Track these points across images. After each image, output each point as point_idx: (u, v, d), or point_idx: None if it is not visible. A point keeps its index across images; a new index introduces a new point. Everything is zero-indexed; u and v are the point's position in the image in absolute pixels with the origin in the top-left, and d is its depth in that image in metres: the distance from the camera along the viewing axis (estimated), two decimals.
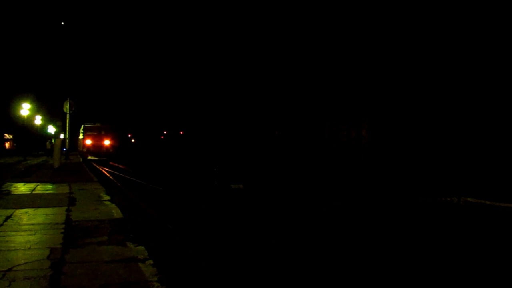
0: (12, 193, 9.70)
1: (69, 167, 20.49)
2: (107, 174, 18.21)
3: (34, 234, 5.35)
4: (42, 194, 9.63)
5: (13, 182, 12.18)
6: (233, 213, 9.62)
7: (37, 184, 11.77)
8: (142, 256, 4.41)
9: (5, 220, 6.26)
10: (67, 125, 27.16)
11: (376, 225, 8.55)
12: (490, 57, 17.27)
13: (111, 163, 28.51)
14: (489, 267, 5.66)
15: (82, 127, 39.26)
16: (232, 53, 42.82)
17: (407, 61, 20.80)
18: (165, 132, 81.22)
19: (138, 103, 75.02)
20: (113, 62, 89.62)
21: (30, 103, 32.36)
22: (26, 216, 6.61)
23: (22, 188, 10.79)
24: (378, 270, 5.42)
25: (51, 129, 47.99)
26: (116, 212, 7.09)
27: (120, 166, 25.16)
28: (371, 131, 22.17)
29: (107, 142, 37.74)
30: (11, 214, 6.74)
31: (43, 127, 51.65)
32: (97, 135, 37.35)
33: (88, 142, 37.09)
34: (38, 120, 42.86)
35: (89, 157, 33.98)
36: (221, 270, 5.01)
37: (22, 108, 30.14)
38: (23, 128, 38.22)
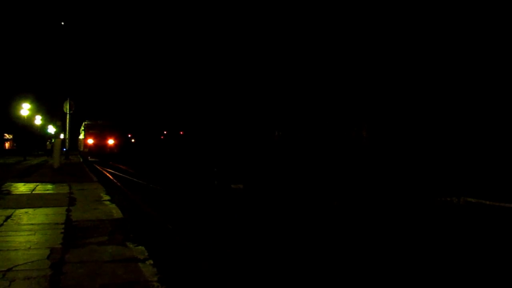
0: (12, 193, 9.70)
1: (69, 167, 20.48)
2: (107, 174, 18.21)
3: (34, 234, 5.35)
4: (42, 194, 9.64)
5: (13, 182, 12.18)
6: (233, 213, 9.62)
7: (37, 184, 11.77)
8: (142, 256, 4.41)
9: (5, 220, 6.26)
10: (67, 125, 27.17)
11: (375, 224, 8.55)
12: (490, 58, 17.27)
13: (111, 163, 28.48)
14: (489, 267, 5.66)
15: (82, 126, 35.95)
16: (232, 53, 42.83)
17: (407, 62, 20.81)
18: (165, 132, 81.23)
19: (138, 103, 74.98)
20: (113, 62, 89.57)
21: (30, 103, 32.17)
22: (26, 216, 6.61)
23: (22, 188, 10.79)
24: (377, 270, 5.42)
25: (51, 129, 48.02)
26: (116, 212, 7.09)
27: (120, 166, 25.15)
28: (371, 131, 22.18)
29: (111, 142, 34.30)
30: (11, 214, 6.74)
31: (43, 127, 51.70)
32: (100, 133, 33.86)
33: (90, 141, 33.62)
34: (38, 120, 42.88)
35: (91, 159, 31.57)
36: (221, 270, 5.01)
37: (22, 108, 30.12)
38: (23, 128, 38.19)
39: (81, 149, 37.26)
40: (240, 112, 41.82)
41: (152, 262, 4.20)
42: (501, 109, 16.52)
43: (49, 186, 11.29)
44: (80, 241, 5.02)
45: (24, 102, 30.25)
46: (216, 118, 49.22)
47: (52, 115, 37.81)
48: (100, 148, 33.50)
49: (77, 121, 35.54)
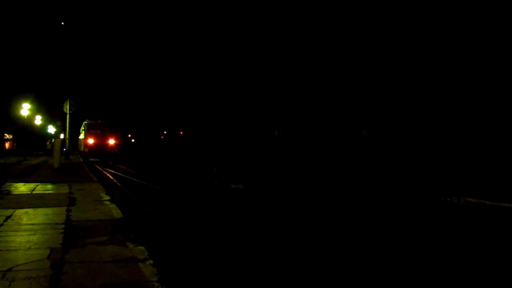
0: (12, 193, 9.69)
1: (69, 167, 20.48)
2: (107, 174, 18.20)
3: (34, 234, 5.35)
4: (42, 194, 9.63)
5: (13, 182, 12.18)
6: (233, 213, 9.63)
7: (37, 184, 11.77)
8: (142, 256, 4.41)
9: (5, 220, 6.25)
10: (67, 125, 27.18)
11: (376, 225, 8.55)
12: (489, 58, 17.27)
13: (111, 163, 28.42)
14: (489, 267, 5.66)
15: (83, 125, 35.12)
16: (232, 53, 42.84)
17: (407, 62, 20.81)
18: (165, 132, 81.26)
19: (138, 103, 75.02)
20: (113, 62, 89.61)
21: (30, 103, 32.07)
22: (26, 216, 6.61)
23: (22, 188, 10.79)
24: (377, 270, 5.42)
25: (51, 129, 48.01)
26: (116, 212, 7.09)
27: (120, 166, 25.14)
28: (371, 131, 22.19)
29: (111, 141, 33.46)
30: (11, 214, 6.74)
31: (43, 127, 51.73)
32: (101, 133, 33.08)
33: (91, 141, 32.75)
34: (38, 120, 42.87)
35: (91, 159, 30.73)
36: (221, 270, 5.01)
37: (22, 108, 30.09)
38: (23, 128, 38.16)
39: (81, 149, 36.46)
40: (240, 112, 41.82)
41: (152, 262, 4.20)
42: (500, 109, 16.52)
43: (49, 186, 11.29)
44: (80, 241, 5.02)
45: (24, 102, 30.20)
46: (216, 118, 49.24)
47: (52, 115, 37.69)
48: (100, 148, 32.80)
49: (77, 121, 35.17)
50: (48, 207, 7.60)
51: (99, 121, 34.42)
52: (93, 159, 30.52)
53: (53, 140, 27.62)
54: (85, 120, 34.68)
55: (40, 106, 44.53)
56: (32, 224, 6.03)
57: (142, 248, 4.73)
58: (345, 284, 4.91)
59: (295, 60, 31.18)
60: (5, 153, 41.81)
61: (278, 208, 10.45)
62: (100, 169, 21.28)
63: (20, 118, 33.68)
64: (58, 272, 3.85)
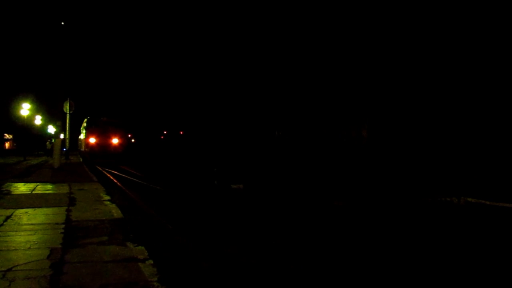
0: (12, 193, 9.70)
1: (69, 167, 20.49)
2: (107, 174, 18.21)
3: (34, 234, 5.36)
4: (42, 194, 9.63)
5: (13, 182, 12.18)
6: (233, 213, 9.63)
7: (37, 184, 11.77)
8: (142, 256, 4.41)
9: (5, 220, 6.26)
10: (67, 125, 27.19)
11: (376, 225, 8.55)
12: (489, 58, 17.27)
13: (112, 162, 28.33)
14: (489, 266, 5.66)
15: (84, 123, 33.00)
16: (232, 53, 42.85)
17: (407, 62, 20.82)
18: (165, 132, 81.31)
19: (138, 103, 75.10)
20: (113, 62, 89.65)
21: (30, 103, 31.96)
22: (26, 216, 6.61)
23: (22, 188, 10.79)
24: (378, 270, 5.42)
25: (51, 129, 47.99)
26: (116, 212, 7.10)
27: (120, 166, 25.13)
28: (371, 131, 22.19)
29: (115, 141, 31.37)
30: (11, 214, 6.74)
31: (43, 127, 51.74)
32: (103, 132, 31.01)
33: (92, 140, 30.67)
34: (38, 120, 42.88)
35: (92, 159, 29.05)
36: (221, 270, 5.01)
37: (22, 108, 30.04)
38: (23, 128, 38.17)
39: (82, 148, 34.69)
40: (240, 112, 41.83)
41: (152, 262, 4.20)
42: (500, 110, 16.53)
43: (49, 186, 11.29)
44: (80, 241, 5.02)
45: (24, 102, 30.14)
46: (216, 118, 49.24)
47: (52, 115, 37.44)
48: (103, 147, 30.97)
49: (77, 121, 34.61)
50: (48, 207, 7.61)
51: (102, 118, 32.40)
52: (95, 159, 29.08)
53: (53, 140, 27.55)
54: (86, 118, 32.75)
55: (40, 106, 44.57)
56: (32, 224, 6.03)
57: (142, 248, 4.73)
58: (345, 284, 4.91)
59: (295, 60, 31.20)
60: (5, 153, 41.78)
61: (278, 208, 10.45)
62: (100, 169, 21.30)
63: (20, 118, 33.66)
64: (58, 272, 3.85)
